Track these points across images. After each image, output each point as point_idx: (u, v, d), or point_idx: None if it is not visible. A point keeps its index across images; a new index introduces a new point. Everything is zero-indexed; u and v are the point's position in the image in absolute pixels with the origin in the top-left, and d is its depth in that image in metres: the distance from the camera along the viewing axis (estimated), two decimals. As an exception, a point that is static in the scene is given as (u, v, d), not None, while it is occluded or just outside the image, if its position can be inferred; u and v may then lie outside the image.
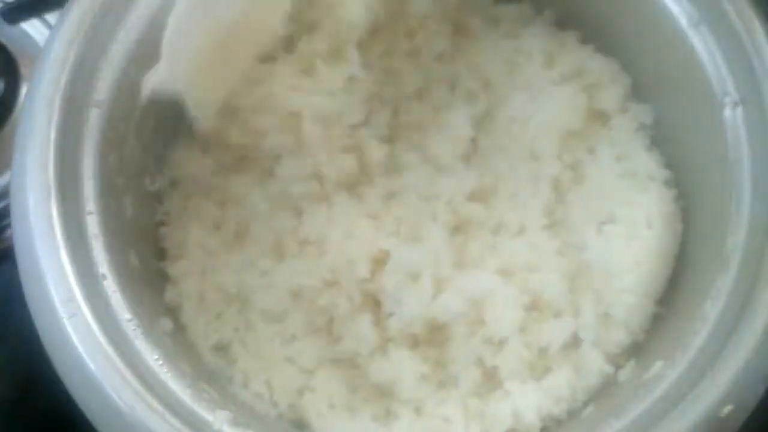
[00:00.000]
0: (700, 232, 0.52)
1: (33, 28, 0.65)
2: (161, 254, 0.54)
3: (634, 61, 0.57)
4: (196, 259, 0.53)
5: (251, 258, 0.53)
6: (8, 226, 0.58)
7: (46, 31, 0.65)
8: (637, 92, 0.58)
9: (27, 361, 0.56)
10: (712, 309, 0.45)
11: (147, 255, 0.51)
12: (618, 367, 0.50)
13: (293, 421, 0.51)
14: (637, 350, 0.51)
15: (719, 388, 0.41)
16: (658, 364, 0.45)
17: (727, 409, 0.41)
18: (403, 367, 0.50)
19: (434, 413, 0.50)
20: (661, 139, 0.56)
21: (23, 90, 0.62)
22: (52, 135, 0.45)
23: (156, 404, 0.40)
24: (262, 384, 0.51)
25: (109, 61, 0.48)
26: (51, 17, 0.65)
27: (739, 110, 0.49)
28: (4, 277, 0.58)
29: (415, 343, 0.52)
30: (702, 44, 0.50)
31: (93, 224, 0.45)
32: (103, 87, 0.48)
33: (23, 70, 0.63)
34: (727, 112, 0.49)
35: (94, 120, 0.47)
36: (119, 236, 0.47)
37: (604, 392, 0.49)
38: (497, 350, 0.50)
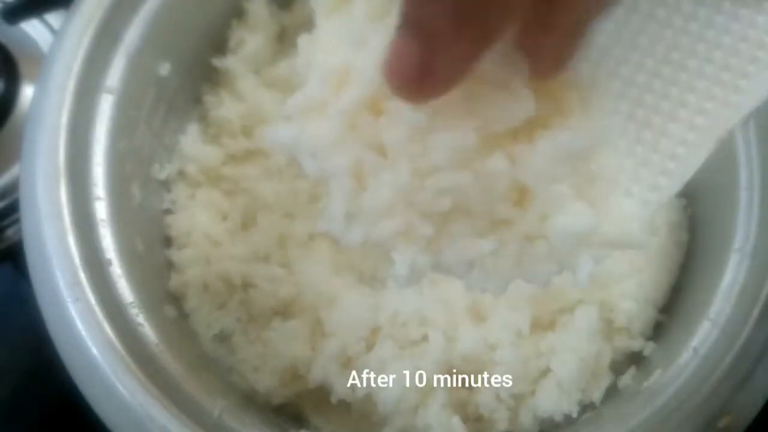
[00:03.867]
0: (706, 241, 0.52)
1: (33, 28, 0.65)
2: (167, 242, 0.54)
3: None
4: (201, 248, 0.53)
5: (257, 249, 0.53)
6: (8, 226, 0.59)
7: (46, 31, 0.64)
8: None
9: (27, 359, 0.57)
10: (715, 319, 0.45)
11: (153, 242, 0.51)
12: (618, 373, 0.50)
13: (291, 414, 0.51)
14: (638, 357, 0.51)
15: (719, 398, 0.41)
16: (658, 372, 0.45)
17: (726, 420, 0.41)
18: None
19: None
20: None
21: (23, 90, 0.62)
22: (64, 120, 0.45)
23: (157, 391, 0.40)
24: (262, 376, 0.51)
25: (122, 47, 0.48)
26: (51, 17, 0.64)
27: (751, 120, 0.48)
28: (4, 277, 0.58)
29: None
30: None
31: (101, 210, 0.45)
32: (116, 73, 0.48)
33: (23, 70, 0.62)
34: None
35: (105, 106, 0.47)
36: (126, 223, 0.47)
37: (602, 399, 0.49)
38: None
